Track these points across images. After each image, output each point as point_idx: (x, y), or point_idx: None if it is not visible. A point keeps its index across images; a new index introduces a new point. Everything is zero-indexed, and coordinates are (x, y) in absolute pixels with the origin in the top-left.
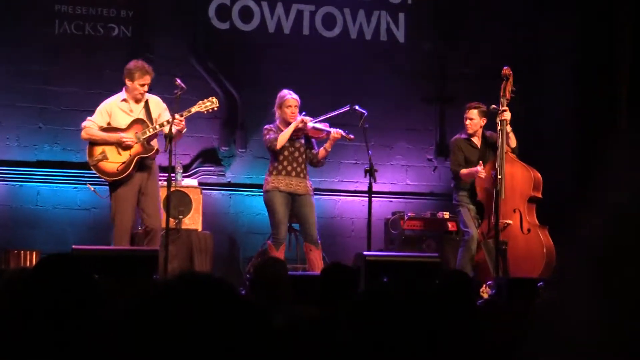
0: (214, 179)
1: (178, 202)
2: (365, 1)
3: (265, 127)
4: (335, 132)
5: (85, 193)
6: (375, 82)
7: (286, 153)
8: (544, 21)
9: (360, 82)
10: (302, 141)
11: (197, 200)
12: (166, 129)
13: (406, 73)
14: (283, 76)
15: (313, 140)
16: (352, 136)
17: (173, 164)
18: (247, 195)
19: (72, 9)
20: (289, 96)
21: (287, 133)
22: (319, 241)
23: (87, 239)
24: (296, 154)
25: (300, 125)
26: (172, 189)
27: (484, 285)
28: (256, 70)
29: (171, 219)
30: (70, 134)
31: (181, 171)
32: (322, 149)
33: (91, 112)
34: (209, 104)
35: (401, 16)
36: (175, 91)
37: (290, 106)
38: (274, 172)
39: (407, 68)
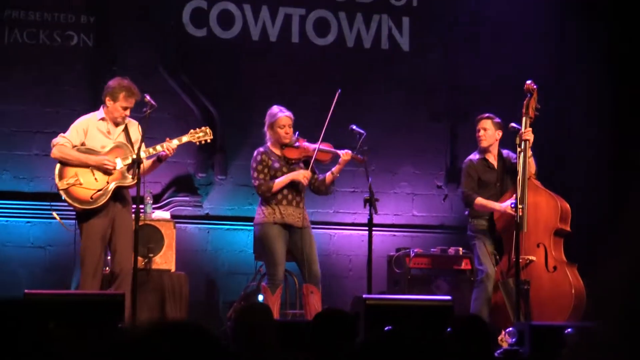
0: (189, 210)
1: (148, 238)
2: (363, 3)
3: (256, 152)
4: (345, 154)
5: (39, 228)
6: (375, 96)
7: None
8: (570, 28)
9: (358, 96)
10: (302, 165)
11: (169, 235)
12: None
13: (411, 86)
14: (269, 91)
15: (313, 164)
16: (360, 157)
17: (142, 193)
18: (228, 229)
19: (24, 15)
20: (281, 114)
21: (283, 182)
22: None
23: (42, 281)
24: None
25: (304, 181)
26: (141, 222)
27: (503, 333)
28: (238, 84)
29: (140, 258)
30: (22, 159)
31: (151, 202)
32: (329, 174)
33: (47, 134)
34: (202, 135)
35: (405, 21)
36: (145, 109)
37: (284, 126)
38: (271, 201)
39: (412, 80)
